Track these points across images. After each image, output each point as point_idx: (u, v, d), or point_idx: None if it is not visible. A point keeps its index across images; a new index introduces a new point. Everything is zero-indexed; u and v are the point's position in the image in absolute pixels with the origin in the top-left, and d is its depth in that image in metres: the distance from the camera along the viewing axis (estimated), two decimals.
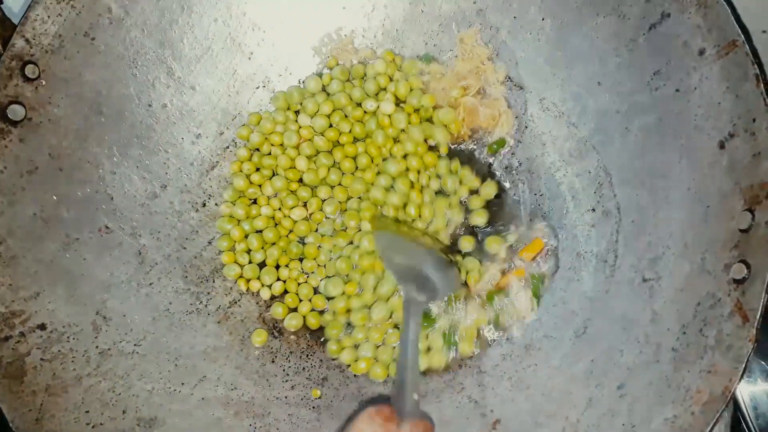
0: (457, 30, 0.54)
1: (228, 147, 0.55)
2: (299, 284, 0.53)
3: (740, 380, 0.37)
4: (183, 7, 0.52)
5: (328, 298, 0.53)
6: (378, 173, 0.54)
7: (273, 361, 0.51)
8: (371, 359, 0.51)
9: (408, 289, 0.45)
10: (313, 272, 0.54)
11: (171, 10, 0.51)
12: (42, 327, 0.45)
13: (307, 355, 0.52)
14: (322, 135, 0.55)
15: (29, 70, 0.46)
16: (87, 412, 0.44)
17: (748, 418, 0.52)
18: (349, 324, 0.52)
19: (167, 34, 0.52)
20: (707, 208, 0.42)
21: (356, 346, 0.51)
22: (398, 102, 0.55)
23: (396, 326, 0.51)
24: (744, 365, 0.37)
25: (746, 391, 0.52)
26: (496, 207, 0.54)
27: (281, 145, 0.55)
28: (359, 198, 0.54)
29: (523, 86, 0.53)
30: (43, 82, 0.47)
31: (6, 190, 0.45)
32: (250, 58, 0.55)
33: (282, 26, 0.55)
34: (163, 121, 0.53)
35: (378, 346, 0.51)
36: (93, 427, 0.43)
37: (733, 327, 0.39)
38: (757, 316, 0.37)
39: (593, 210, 0.50)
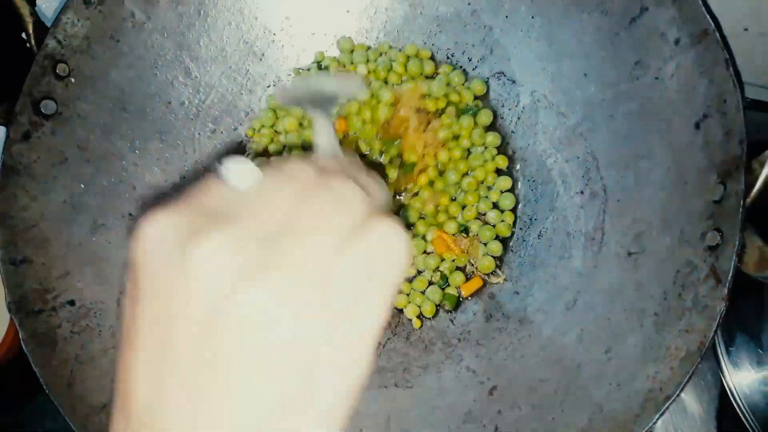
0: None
1: (241, 142, 0.59)
2: None
3: (713, 336, 0.40)
4: (200, 12, 0.56)
5: None
6: None
7: None
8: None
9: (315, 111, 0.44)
10: None
11: (189, 14, 0.56)
12: (71, 303, 0.49)
13: None
14: None
15: (60, 68, 0.50)
16: (113, 380, 0.47)
17: (740, 404, 0.54)
18: None
19: (185, 37, 0.56)
20: (685, 184, 0.45)
21: None
22: None
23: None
24: (717, 322, 0.40)
25: (737, 380, 0.55)
26: None
27: None
28: None
29: (516, 80, 0.57)
30: (73, 80, 0.51)
31: (39, 177, 0.49)
32: (261, 59, 0.59)
33: (290, 29, 0.59)
34: (182, 118, 0.57)
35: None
36: None
37: (708, 289, 0.42)
38: (729, 277, 0.40)
39: (582, 192, 0.53)
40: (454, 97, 0.58)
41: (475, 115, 0.58)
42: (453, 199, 0.57)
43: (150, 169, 0.55)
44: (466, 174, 0.57)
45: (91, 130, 0.52)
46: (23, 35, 0.50)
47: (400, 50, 0.60)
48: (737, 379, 0.54)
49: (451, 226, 0.56)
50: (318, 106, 0.41)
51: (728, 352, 0.55)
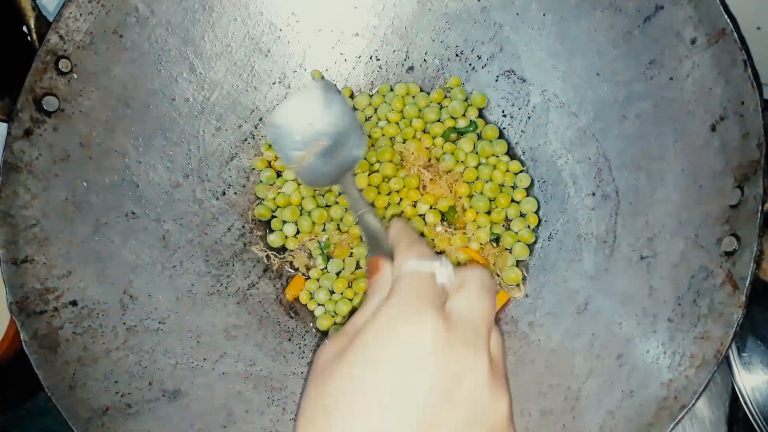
0: None
1: (246, 139, 0.58)
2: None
3: (731, 344, 0.40)
4: (204, 6, 0.55)
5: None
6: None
7: (289, 340, 0.54)
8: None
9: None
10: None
11: (193, 9, 0.55)
12: (74, 303, 0.48)
13: (325, 334, 0.54)
14: None
15: (62, 64, 0.49)
16: (116, 382, 0.46)
17: (751, 408, 0.54)
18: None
19: (189, 32, 0.55)
20: (700, 188, 0.45)
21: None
22: None
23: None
24: (734, 329, 0.39)
25: (748, 384, 0.54)
26: None
27: None
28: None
29: (526, 79, 0.56)
30: (75, 76, 0.50)
31: (41, 175, 0.48)
32: (266, 55, 0.58)
33: (297, 25, 0.58)
34: (186, 115, 0.56)
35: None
36: (121, 395, 0.46)
37: (724, 296, 0.41)
38: (747, 284, 0.40)
39: (593, 194, 0.52)
40: (449, 122, 0.58)
41: (478, 133, 0.58)
42: (488, 212, 0.57)
43: (153, 167, 0.54)
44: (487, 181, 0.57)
45: (93, 127, 0.51)
46: (24, 29, 0.49)
47: (391, 90, 0.60)
48: (749, 383, 0.54)
49: (482, 234, 0.55)
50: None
51: (740, 356, 0.54)
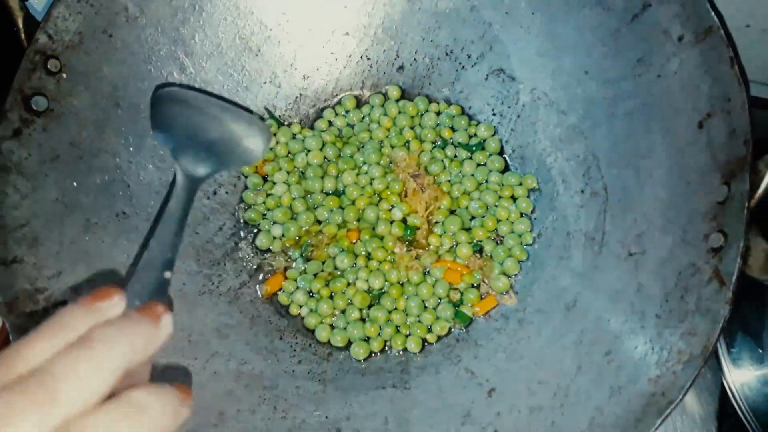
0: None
1: None
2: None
3: (718, 339, 0.40)
4: (194, 6, 0.55)
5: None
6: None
7: (281, 338, 0.54)
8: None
9: (184, 161, 0.39)
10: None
11: (183, 9, 0.55)
12: (64, 303, 0.47)
13: (313, 333, 0.54)
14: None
15: (51, 64, 0.49)
16: None
17: (740, 404, 0.54)
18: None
19: (180, 32, 0.55)
20: (687, 185, 0.45)
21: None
22: None
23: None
24: (721, 325, 0.40)
25: (737, 380, 0.54)
26: None
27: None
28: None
29: (515, 77, 0.56)
30: (64, 76, 0.50)
31: (30, 175, 0.48)
32: (257, 55, 0.58)
33: (287, 24, 0.58)
34: None
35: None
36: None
37: (711, 292, 0.41)
38: (733, 280, 0.40)
39: (582, 192, 0.52)
40: (445, 133, 0.59)
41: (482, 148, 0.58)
42: (468, 230, 0.56)
43: (144, 167, 0.54)
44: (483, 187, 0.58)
45: (83, 127, 0.51)
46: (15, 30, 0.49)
47: (383, 93, 0.61)
48: (738, 378, 0.54)
49: (464, 251, 0.55)
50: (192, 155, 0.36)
51: (729, 352, 0.55)
